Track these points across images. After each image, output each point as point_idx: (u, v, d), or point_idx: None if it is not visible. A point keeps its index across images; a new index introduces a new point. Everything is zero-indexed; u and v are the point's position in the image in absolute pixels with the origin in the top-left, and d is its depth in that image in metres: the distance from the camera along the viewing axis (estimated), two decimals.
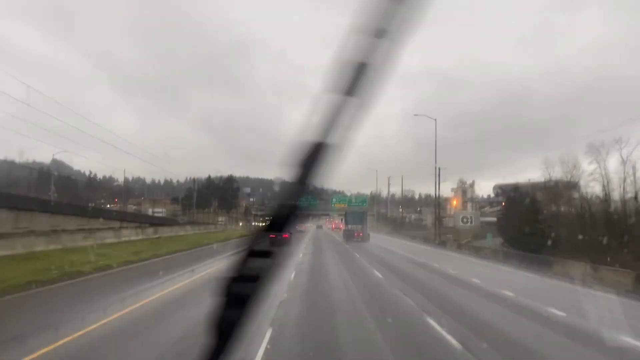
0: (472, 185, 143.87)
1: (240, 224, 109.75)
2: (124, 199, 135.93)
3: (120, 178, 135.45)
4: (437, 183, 53.08)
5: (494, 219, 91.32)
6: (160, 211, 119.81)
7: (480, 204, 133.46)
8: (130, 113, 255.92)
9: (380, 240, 56.12)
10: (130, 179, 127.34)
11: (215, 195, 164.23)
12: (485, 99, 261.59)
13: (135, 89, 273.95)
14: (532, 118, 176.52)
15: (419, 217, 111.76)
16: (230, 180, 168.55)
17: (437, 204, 58.94)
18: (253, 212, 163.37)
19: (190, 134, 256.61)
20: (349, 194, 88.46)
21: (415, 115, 54.25)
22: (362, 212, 62.64)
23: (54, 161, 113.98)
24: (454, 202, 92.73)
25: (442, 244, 50.92)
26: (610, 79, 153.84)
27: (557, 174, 52.30)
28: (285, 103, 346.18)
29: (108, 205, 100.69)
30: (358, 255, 33.72)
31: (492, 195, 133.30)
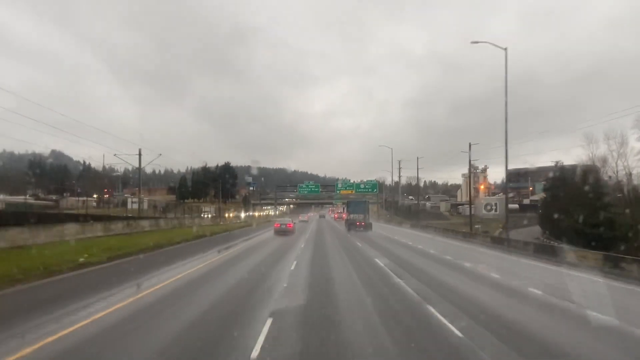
0: (484, 170, 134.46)
1: (231, 214, 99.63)
2: (119, 189, 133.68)
3: (122, 169, 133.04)
4: (470, 162, 42.62)
5: (515, 206, 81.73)
6: (156, 200, 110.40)
7: (493, 191, 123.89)
8: (130, 102, 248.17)
9: (402, 235, 45.23)
10: (130, 169, 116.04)
11: (212, 184, 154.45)
12: (490, 83, 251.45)
13: (134, 77, 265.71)
14: (541, 101, 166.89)
15: (435, 205, 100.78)
16: (226, 168, 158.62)
17: (470, 189, 48.02)
18: (252, 202, 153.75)
19: (191, 123, 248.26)
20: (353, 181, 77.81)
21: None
22: (364, 201, 61.26)
23: (53, 152, 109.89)
24: (481, 187, 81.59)
25: (479, 237, 40.31)
26: (621, 59, 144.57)
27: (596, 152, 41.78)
28: (287, 90, 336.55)
29: (95, 196, 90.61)
30: (382, 264, 23.11)
31: (505, 180, 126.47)
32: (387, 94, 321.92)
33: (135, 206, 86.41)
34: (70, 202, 73.54)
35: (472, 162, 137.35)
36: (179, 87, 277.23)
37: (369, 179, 75.56)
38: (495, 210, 78.82)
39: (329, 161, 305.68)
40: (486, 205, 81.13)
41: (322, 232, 49.55)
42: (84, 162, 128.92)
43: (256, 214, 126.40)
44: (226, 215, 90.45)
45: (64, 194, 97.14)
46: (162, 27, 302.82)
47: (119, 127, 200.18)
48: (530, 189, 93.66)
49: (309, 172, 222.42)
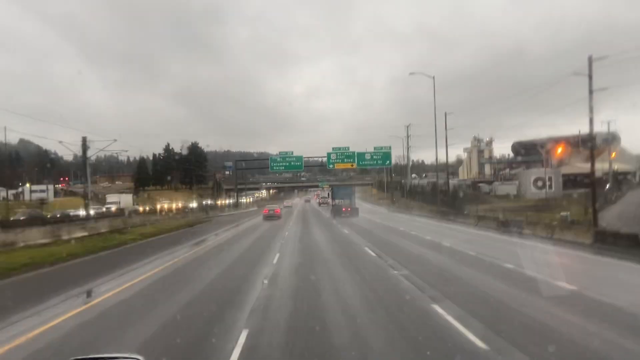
0: (489, 143, 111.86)
1: (194, 204, 76.07)
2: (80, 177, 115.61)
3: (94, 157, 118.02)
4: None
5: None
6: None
7: (498, 166, 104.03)
8: (101, 86, 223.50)
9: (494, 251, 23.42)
10: (103, 156, 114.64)
11: (178, 169, 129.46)
12: (479, 59, 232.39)
13: (104, 59, 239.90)
14: (530, 76, 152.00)
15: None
16: (193, 149, 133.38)
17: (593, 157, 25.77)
18: (225, 187, 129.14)
19: (166, 107, 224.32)
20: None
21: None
22: (350, 187, 61.85)
23: (22, 141, 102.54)
24: (558, 150, 58.56)
25: None
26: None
27: None
28: (267, 70, 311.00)
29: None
30: None
31: (511, 154, 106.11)
32: (372, 73, 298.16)
33: (43, 196, 61.66)
34: None
35: (476, 136, 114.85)
36: (152, 69, 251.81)
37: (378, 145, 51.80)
38: (550, 187, 56.38)
39: (314, 144, 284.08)
40: (536, 180, 58.75)
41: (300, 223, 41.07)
42: (54, 152, 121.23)
43: (224, 201, 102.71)
44: (173, 206, 66.47)
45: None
46: (132, 2, 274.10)
47: (91, 112, 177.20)
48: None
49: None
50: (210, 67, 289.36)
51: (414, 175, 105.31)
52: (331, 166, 52.94)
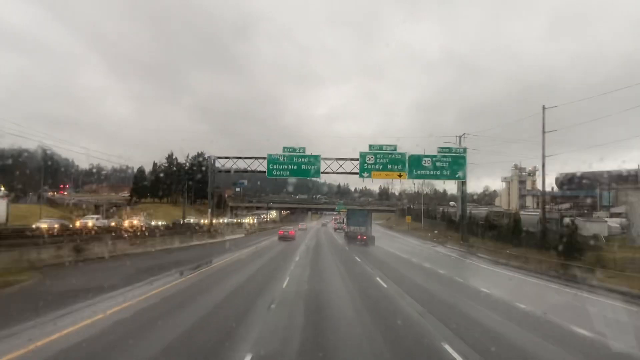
0: (532, 173, 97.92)
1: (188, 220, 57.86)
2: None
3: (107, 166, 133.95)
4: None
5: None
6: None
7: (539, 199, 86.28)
8: (126, 98, 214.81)
9: None
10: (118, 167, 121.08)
11: (181, 180, 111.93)
12: (507, 88, 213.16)
13: (130, 72, 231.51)
14: (560, 112, 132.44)
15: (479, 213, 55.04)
16: (199, 160, 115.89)
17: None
18: (230, 204, 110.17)
19: (189, 122, 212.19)
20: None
21: None
22: (366, 211, 54.87)
23: (40, 148, 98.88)
24: None
25: None
26: None
27: None
28: (290, 88, 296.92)
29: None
30: None
31: (556, 188, 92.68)
32: (395, 97, 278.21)
33: None
34: None
35: (517, 165, 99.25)
36: (175, 83, 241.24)
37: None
38: None
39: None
40: None
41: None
42: (72, 161, 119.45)
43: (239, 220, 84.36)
44: (135, 223, 47.80)
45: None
46: (159, 16, 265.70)
47: (113, 122, 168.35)
48: None
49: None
50: (233, 84, 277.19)
51: (452, 203, 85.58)
52: (365, 175, 33.37)
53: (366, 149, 33.85)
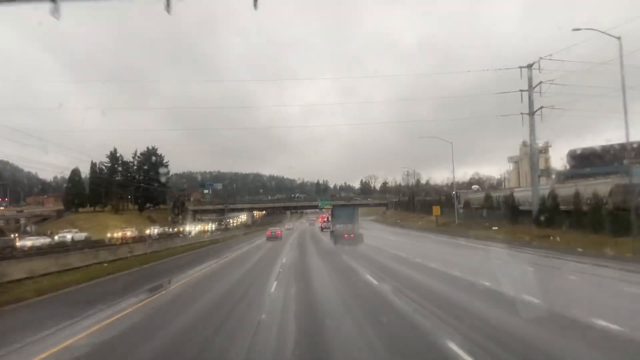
0: (545, 150, 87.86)
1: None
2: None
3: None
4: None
5: None
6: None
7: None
8: (85, 101, 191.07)
9: None
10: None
11: (127, 183, 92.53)
12: (484, 75, 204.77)
13: (89, 73, 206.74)
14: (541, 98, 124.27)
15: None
16: (149, 155, 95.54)
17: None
18: (191, 208, 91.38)
19: (155, 125, 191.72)
20: None
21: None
22: (352, 207, 55.51)
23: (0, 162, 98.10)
24: None
25: None
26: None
27: None
28: (262, 87, 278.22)
29: None
30: None
31: (567, 166, 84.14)
32: (372, 90, 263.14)
33: None
34: None
35: (525, 142, 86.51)
36: (140, 86, 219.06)
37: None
38: None
39: (310, 165, 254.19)
40: None
41: None
42: (35, 173, 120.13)
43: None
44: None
45: None
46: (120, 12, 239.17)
47: (77, 131, 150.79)
48: None
49: (285, 177, 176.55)
50: (200, 83, 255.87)
51: (474, 187, 72.00)
52: None
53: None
